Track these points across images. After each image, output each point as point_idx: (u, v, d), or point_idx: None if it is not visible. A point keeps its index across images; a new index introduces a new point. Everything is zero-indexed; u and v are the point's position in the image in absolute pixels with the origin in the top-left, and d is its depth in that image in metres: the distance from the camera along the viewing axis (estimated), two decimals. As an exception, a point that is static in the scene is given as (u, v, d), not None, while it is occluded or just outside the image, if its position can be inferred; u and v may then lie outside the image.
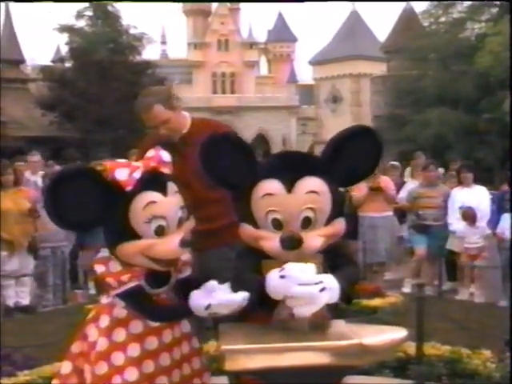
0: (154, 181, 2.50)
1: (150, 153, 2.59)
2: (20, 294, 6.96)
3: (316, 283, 2.38)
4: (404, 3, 31.82)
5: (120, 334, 2.52)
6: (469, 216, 7.22)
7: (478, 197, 7.51)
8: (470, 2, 25.10)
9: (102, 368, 2.47)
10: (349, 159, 2.57)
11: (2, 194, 6.85)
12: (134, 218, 2.44)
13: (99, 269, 2.51)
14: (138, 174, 2.47)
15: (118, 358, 2.48)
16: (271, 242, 2.46)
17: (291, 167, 2.53)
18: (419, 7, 29.07)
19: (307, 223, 2.46)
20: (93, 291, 7.78)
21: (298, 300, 2.41)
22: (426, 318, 4.10)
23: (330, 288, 2.41)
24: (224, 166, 2.60)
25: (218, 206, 3.27)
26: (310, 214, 2.47)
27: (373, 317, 5.20)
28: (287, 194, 2.46)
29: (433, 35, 25.43)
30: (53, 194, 2.39)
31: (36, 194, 7.77)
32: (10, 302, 6.88)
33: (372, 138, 2.63)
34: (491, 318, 5.16)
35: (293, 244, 2.43)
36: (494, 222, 7.34)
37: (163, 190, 2.49)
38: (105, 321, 2.55)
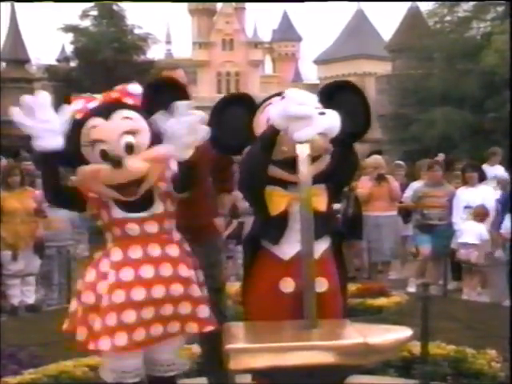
0: (102, 108, 2.57)
1: (119, 86, 2.66)
2: (25, 293, 6.98)
3: (316, 108, 2.52)
4: (409, 2, 31.78)
5: (117, 254, 2.59)
6: (480, 213, 7.20)
7: (483, 196, 7.49)
8: (475, 1, 25.04)
9: (120, 296, 2.52)
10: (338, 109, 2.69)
11: (9, 194, 6.88)
12: (82, 144, 2.54)
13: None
14: (92, 104, 2.57)
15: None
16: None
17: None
18: (424, 6, 28.93)
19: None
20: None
21: (297, 122, 2.44)
22: (430, 317, 4.10)
23: (329, 115, 2.52)
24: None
25: (204, 203, 3.34)
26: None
27: (378, 316, 5.19)
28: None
29: (438, 34, 25.37)
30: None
31: (42, 193, 7.78)
32: (16, 301, 6.89)
33: (356, 92, 2.80)
34: (496, 317, 5.14)
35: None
36: (498, 221, 7.31)
37: (107, 116, 2.54)
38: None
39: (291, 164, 2.57)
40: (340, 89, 2.79)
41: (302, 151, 2.49)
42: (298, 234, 2.61)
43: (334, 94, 2.77)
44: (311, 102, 2.54)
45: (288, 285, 2.70)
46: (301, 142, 2.49)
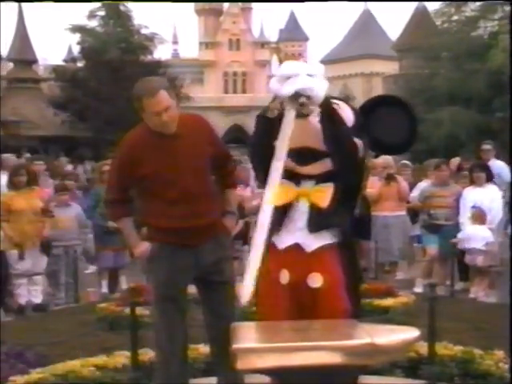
0: None
1: None
2: (32, 293, 6.99)
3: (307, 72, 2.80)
4: (416, 2, 31.72)
5: None
6: (478, 216, 7.18)
7: (491, 196, 7.47)
8: (482, 1, 24.97)
9: None
10: (377, 123, 2.97)
11: (16, 193, 6.90)
12: None
13: None
14: None
15: None
16: None
17: None
18: (432, 6, 28.91)
19: None
20: (105, 290, 7.81)
21: (286, 81, 2.75)
22: (437, 317, 4.08)
23: (321, 80, 2.82)
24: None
25: (205, 202, 3.31)
26: None
27: (384, 317, 5.18)
28: None
29: (445, 34, 25.33)
30: None
31: (49, 193, 7.79)
32: (23, 301, 6.91)
33: (404, 109, 3.13)
34: (504, 318, 5.11)
35: None
36: (505, 221, 7.28)
37: None
38: None
39: (303, 157, 2.66)
40: (387, 102, 2.98)
41: (289, 104, 2.71)
42: (297, 225, 2.70)
43: (378, 106, 3.04)
44: (302, 66, 2.80)
45: (285, 276, 2.75)
46: (287, 97, 2.73)
